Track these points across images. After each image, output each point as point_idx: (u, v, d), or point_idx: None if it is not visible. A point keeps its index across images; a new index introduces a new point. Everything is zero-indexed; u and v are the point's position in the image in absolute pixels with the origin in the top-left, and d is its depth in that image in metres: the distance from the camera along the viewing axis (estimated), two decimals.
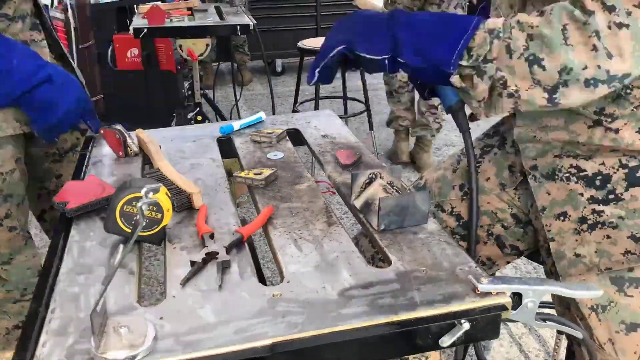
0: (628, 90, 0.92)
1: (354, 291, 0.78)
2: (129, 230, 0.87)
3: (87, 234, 0.94)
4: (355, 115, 3.52)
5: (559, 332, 1.68)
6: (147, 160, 1.23)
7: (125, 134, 1.23)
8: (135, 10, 3.23)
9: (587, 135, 0.97)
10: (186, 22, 2.96)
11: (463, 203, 1.22)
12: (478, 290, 0.76)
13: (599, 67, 0.81)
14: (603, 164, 0.99)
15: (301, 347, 0.69)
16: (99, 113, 1.73)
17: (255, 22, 2.86)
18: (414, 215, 0.94)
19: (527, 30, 0.83)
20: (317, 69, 0.95)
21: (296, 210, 1.01)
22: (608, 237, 0.99)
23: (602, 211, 0.99)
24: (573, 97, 0.84)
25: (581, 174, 1.01)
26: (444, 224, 1.22)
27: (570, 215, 1.03)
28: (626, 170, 0.97)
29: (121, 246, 0.89)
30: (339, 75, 4.39)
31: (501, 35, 0.85)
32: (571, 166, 1.02)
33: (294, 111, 3.40)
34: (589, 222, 1.01)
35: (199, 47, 2.96)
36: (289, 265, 0.85)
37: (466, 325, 0.72)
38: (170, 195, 1.02)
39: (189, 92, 3.35)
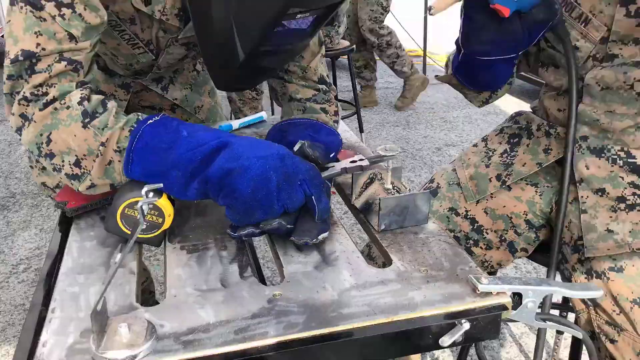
0: None
1: (354, 291, 0.78)
2: (129, 232, 0.87)
3: (87, 234, 0.94)
4: (344, 118, 3.52)
5: (559, 332, 1.68)
6: None
7: None
8: None
9: None
10: None
11: (478, 207, 1.22)
12: (478, 290, 0.76)
13: None
14: None
15: (301, 347, 0.69)
16: None
17: None
18: (414, 216, 0.94)
19: None
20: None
21: None
22: None
23: None
24: None
25: (629, 160, 1.04)
26: (457, 228, 1.22)
27: (608, 193, 1.05)
28: None
29: (121, 246, 0.90)
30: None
31: None
32: (621, 149, 1.05)
33: None
34: (628, 202, 1.03)
35: None
36: (289, 265, 0.85)
37: (466, 325, 0.72)
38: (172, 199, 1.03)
39: None
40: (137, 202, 0.86)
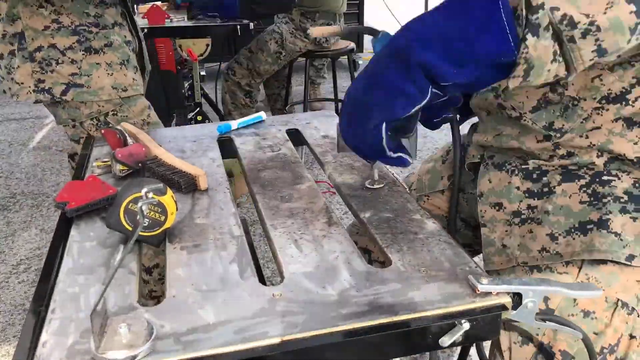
0: (575, 102, 0.92)
1: (354, 291, 0.78)
2: (131, 229, 0.87)
3: (87, 234, 0.94)
4: None
5: None
6: None
7: (126, 134, 1.23)
8: (135, 10, 3.23)
9: (537, 149, 0.99)
10: (186, 22, 2.96)
11: (443, 196, 1.25)
12: (478, 290, 0.76)
13: None
14: (545, 164, 1.01)
15: (301, 347, 0.69)
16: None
17: (255, 22, 2.86)
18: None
19: None
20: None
21: (296, 210, 1.01)
22: (530, 231, 1.00)
23: (536, 206, 1.00)
24: None
25: (522, 166, 1.03)
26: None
27: (505, 207, 1.04)
28: (564, 169, 0.99)
29: (121, 246, 0.90)
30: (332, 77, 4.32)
31: None
32: (517, 161, 1.04)
33: (284, 113, 3.41)
34: (522, 216, 1.02)
35: (199, 47, 2.96)
36: (289, 265, 0.85)
37: (466, 325, 0.72)
38: (180, 183, 1.06)
39: (189, 92, 3.36)
40: (141, 197, 0.86)
